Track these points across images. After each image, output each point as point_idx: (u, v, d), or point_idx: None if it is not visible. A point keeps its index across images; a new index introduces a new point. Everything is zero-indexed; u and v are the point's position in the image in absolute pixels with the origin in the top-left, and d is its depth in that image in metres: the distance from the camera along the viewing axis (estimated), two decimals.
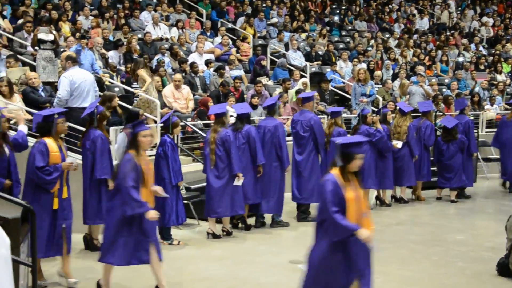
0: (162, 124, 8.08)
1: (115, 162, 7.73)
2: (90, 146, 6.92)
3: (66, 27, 12.68)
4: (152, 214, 5.32)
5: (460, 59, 17.70)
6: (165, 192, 7.36)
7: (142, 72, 9.98)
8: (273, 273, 6.60)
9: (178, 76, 10.86)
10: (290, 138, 9.44)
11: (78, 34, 12.04)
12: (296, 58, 15.00)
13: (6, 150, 6.12)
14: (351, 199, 4.37)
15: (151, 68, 12.08)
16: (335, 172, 4.45)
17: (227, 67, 12.78)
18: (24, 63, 10.45)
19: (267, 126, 8.49)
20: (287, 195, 8.86)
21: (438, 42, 18.82)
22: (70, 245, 6.05)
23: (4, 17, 12.36)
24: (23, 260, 4.05)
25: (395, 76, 14.79)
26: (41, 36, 9.75)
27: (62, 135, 6.57)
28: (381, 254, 7.30)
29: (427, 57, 17.08)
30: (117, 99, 8.48)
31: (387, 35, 18.53)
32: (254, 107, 10.88)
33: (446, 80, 16.15)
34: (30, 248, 4.27)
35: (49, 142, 5.80)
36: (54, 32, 10.28)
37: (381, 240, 8.00)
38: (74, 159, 6.13)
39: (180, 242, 7.63)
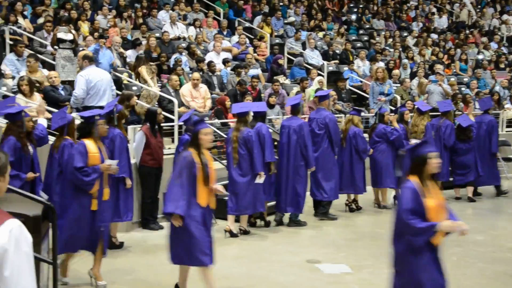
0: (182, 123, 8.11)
1: (133, 161, 7.79)
2: (108, 145, 6.95)
3: (85, 27, 12.79)
4: (177, 222, 5.19)
5: (480, 57, 17.51)
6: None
7: (143, 70, 10.07)
8: (291, 272, 6.58)
9: (196, 75, 10.89)
10: None
11: (96, 34, 12.13)
12: (313, 57, 14.96)
13: (31, 149, 6.22)
14: (432, 208, 4.17)
15: (168, 66, 12.16)
16: (413, 179, 4.22)
17: (243, 70, 12.75)
18: (44, 62, 10.56)
19: (292, 125, 8.45)
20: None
21: (457, 41, 18.64)
22: (106, 247, 6.00)
23: (24, 17, 12.50)
24: (44, 257, 4.09)
25: (413, 75, 14.69)
26: (60, 35, 9.85)
27: None
28: None
29: (445, 56, 16.93)
30: (135, 98, 8.52)
31: (405, 34, 18.40)
32: (271, 106, 10.88)
33: (465, 79, 16.00)
34: (52, 246, 4.31)
35: (89, 143, 5.77)
36: (73, 31, 10.37)
37: None
38: (114, 161, 6.05)
39: None
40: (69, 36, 9.94)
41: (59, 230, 5.74)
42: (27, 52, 10.17)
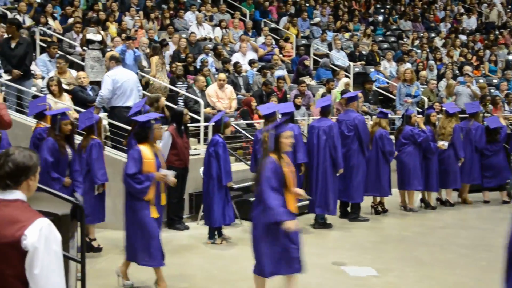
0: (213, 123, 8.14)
1: None
2: None
3: (113, 28, 12.93)
4: (290, 225, 4.88)
5: (510, 57, 17.21)
6: (213, 191, 7.40)
7: (153, 60, 10.45)
8: (316, 274, 6.54)
9: (222, 75, 10.93)
10: None
11: (124, 35, 12.27)
12: (340, 58, 14.89)
13: (69, 151, 6.28)
14: None
15: (194, 67, 12.24)
16: None
17: (269, 71, 12.76)
18: (73, 63, 10.71)
19: (321, 126, 8.41)
20: None
21: (486, 42, 18.36)
22: None
23: (54, 18, 12.69)
24: (73, 256, 4.14)
25: (441, 77, 14.51)
26: (89, 36, 10.00)
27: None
28: (427, 258, 7.19)
29: (474, 57, 16.69)
30: (163, 99, 8.56)
31: (433, 35, 18.19)
32: (297, 107, 10.85)
33: (495, 81, 15.75)
34: (80, 245, 4.35)
35: (143, 148, 5.58)
36: (102, 32, 10.50)
37: (427, 244, 7.86)
38: (171, 172, 5.79)
39: (222, 241, 7.66)
40: (98, 37, 10.08)
41: (128, 239, 5.68)
42: (59, 53, 10.34)
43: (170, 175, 5.68)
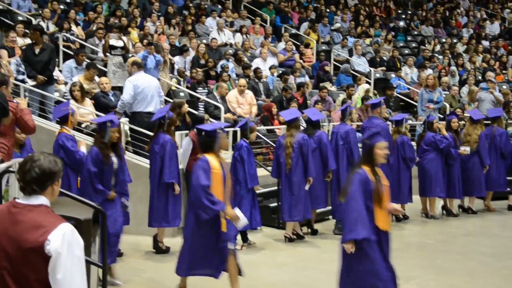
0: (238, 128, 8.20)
1: (180, 167, 7.87)
2: (159, 150, 7.05)
3: (134, 33, 13.04)
4: (348, 247, 4.68)
5: None
6: (240, 195, 7.43)
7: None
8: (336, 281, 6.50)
9: (243, 81, 10.95)
10: None
11: (145, 41, 12.36)
12: (360, 63, 14.83)
13: (115, 160, 6.10)
14: None
15: (215, 72, 12.30)
16: None
17: (291, 76, 12.76)
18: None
19: (339, 132, 8.53)
20: None
21: (509, 47, 18.14)
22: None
23: (77, 24, 12.85)
24: (94, 261, 4.17)
25: (463, 83, 14.37)
26: (111, 42, 10.10)
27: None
28: (449, 266, 7.11)
29: (497, 63, 16.50)
30: (186, 105, 8.60)
31: (455, 40, 18.03)
32: None
33: None
34: (100, 250, 4.38)
35: (211, 159, 5.40)
36: (123, 38, 10.61)
37: (448, 251, 7.77)
38: (244, 220, 5.55)
39: (243, 247, 7.66)
40: (120, 43, 10.18)
41: (184, 251, 5.58)
42: (85, 61, 10.44)
43: (242, 222, 5.48)
